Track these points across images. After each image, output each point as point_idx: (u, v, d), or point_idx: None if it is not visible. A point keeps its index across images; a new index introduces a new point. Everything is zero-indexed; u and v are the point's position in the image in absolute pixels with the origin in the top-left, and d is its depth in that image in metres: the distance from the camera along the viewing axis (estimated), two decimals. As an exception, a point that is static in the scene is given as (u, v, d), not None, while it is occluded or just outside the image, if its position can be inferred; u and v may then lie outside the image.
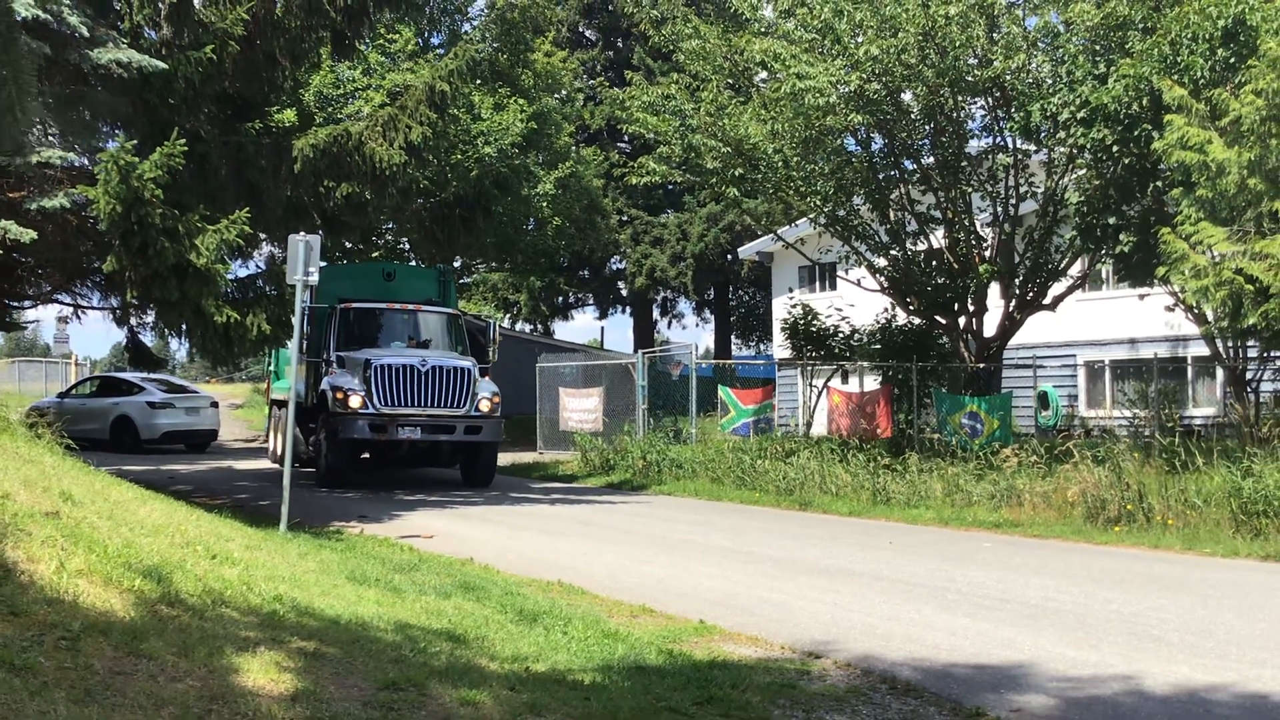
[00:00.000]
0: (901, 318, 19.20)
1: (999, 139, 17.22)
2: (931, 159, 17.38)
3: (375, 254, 26.08)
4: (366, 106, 21.81)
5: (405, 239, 26.86)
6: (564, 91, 30.50)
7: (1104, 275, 21.21)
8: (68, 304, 15.32)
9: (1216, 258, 12.23)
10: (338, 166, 13.76)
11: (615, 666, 5.98)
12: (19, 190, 11.53)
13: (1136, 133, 13.40)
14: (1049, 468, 13.59)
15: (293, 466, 11.65)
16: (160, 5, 12.21)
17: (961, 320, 18.02)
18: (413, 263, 26.00)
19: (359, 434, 16.21)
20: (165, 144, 10.97)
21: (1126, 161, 14.30)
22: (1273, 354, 15.37)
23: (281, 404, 18.30)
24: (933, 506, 13.82)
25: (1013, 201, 17.32)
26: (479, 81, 22.69)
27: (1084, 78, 14.00)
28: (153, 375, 24.73)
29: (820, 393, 20.16)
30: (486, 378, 17.21)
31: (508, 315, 40.26)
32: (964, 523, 12.94)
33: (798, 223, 22.83)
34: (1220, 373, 18.32)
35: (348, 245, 24.97)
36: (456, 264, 28.45)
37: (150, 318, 13.79)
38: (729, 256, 35.41)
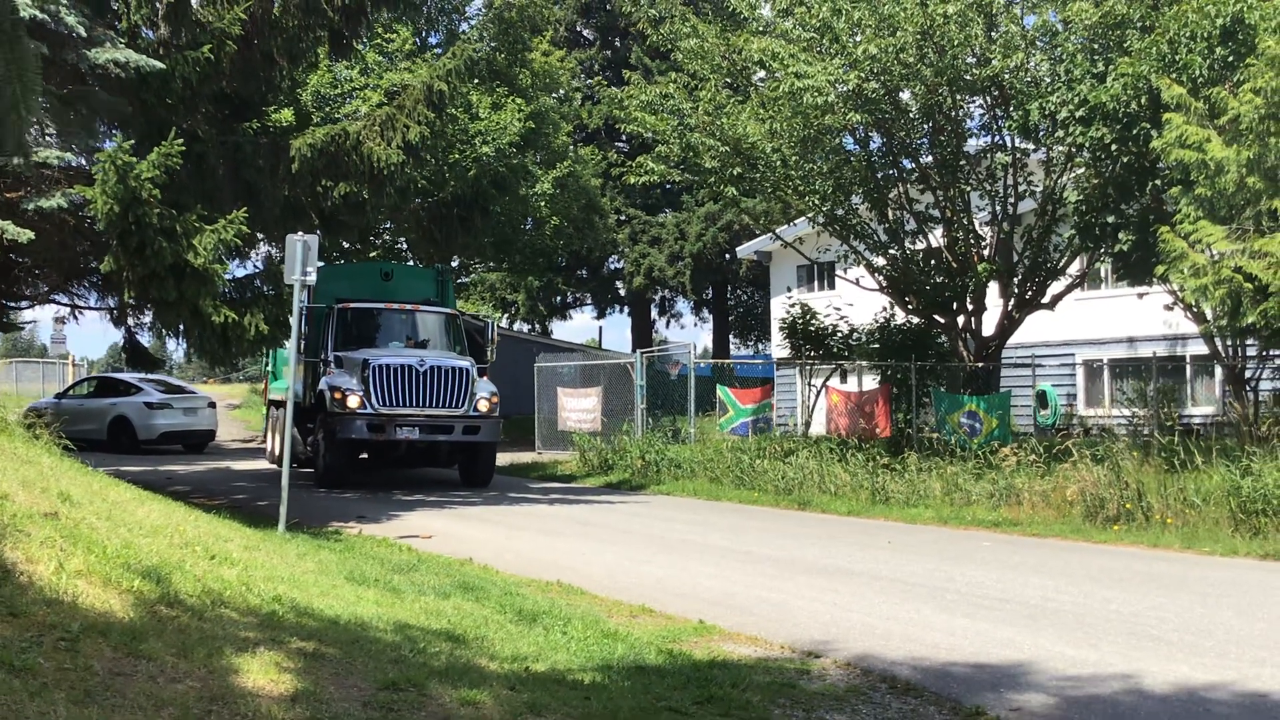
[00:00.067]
0: (900, 317, 19.20)
1: (997, 138, 17.22)
2: (930, 158, 17.38)
3: (373, 254, 26.07)
4: (364, 106, 21.81)
5: (403, 239, 26.85)
6: (562, 91, 30.48)
7: (1103, 274, 21.22)
8: (65, 304, 15.30)
9: (1215, 256, 12.23)
10: (335, 166, 13.75)
11: (615, 666, 5.97)
12: (16, 190, 11.52)
13: (1135, 131, 13.39)
14: (1048, 467, 13.58)
15: (291, 467, 11.64)
16: (158, 5, 12.19)
17: (960, 319, 18.02)
18: (410, 262, 25.99)
19: (357, 434, 16.20)
20: (163, 144, 10.96)
21: (1125, 160, 14.30)
22: (1272, 352, 15.37)
23: (279, 404, 18.28)
24: (931, 506, 13.82)
25: (1011, 200, 17.32)
26: (477, 81, 22.68)
27: (1082, 76, 14.00)
28: (150, 376, 24.70)
29: (819, 392, 20.15)
30: (485, 378, 17.20)
31: (506, 315, 40.27)
32: (963, 522, 12.94)
33: (796, 222, 22.82)
34: (1219, 371, 18.32)
35: (345, 245, 24.98)
36: (454, 264, 28.43)
37: (148, 318, 13.76)
38: (727, 256, 35.41)
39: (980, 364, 17.98)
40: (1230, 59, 12.53)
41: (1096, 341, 22.40)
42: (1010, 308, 17.89)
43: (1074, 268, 17.97)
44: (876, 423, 17.74)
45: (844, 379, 21.14)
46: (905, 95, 16.55)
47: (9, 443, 8.67)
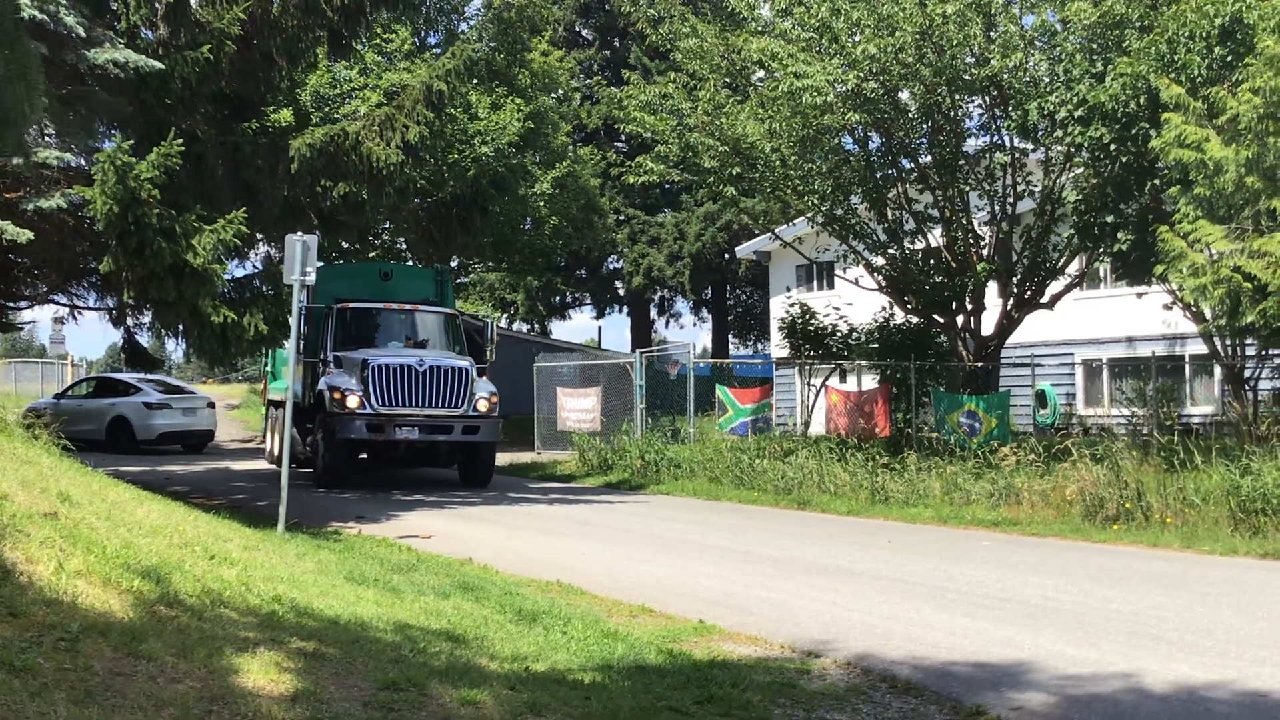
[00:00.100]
0: (899, 316, 19.20)
1: (996, 138, 17.23)
2: (929, 158, 17.39)
3: (372, 254, 26.06)
4: (363, 106, 21.78)
5: (402, 239, 26.84)
6: (561, 91, 30.48)
7: (1102, 274, 21.22)
8: (64, 305, 15.28)
9: (1214, 256, 12.24)
10: (334, 166, 13.75)
11: (615, 666, 5.97)
12: (16, 191, 11.51)
13: (1134, 131, 13.40)
14: (1047, 466, 13.58)
15: (290, 467, 11.63)
16: (157, 5, 12.18)
17: (959, 319, 18.03)
18: (410, 262, 25.98)
19: (356, 434, 16.19)
20: (162, 144, 10.95)
21: (1124, 160, 14.31)
22: (1270, 352, 15.39)
23: (278, 404, 18.27)
24: (931, 505, 13.81)
25: (1010, 200, 17.33)
26: (476, 81, 22.65)
27: (1081, 76, 14.00)
28: (149, 376, 24.70)
29: (818, 392, 20.15)
30: (484, 377, 17.19)
31: (505, 315, 40.25)
32: (962, 521, 12.94)
33: (795, 222, 22.83)
34: (1218, 371, 18.34)
35: (344, 245, 24.96)
36: (454, 264, 28.43)
37: (147, 318, 13.75)
38: (726, 256, 35.41)
39: (979, 364, 17.99)
40: (1229, 58, 12.54)
41: (1095, 341, 22.41)
42: (1009, 307, 17.90)
43: (1073, 267, 17.98)
44: (876, 422, 17.74)
45: (843, 379, 21.14)
46: (904, 95, 16.56)
47: (8, 443, 8.67)
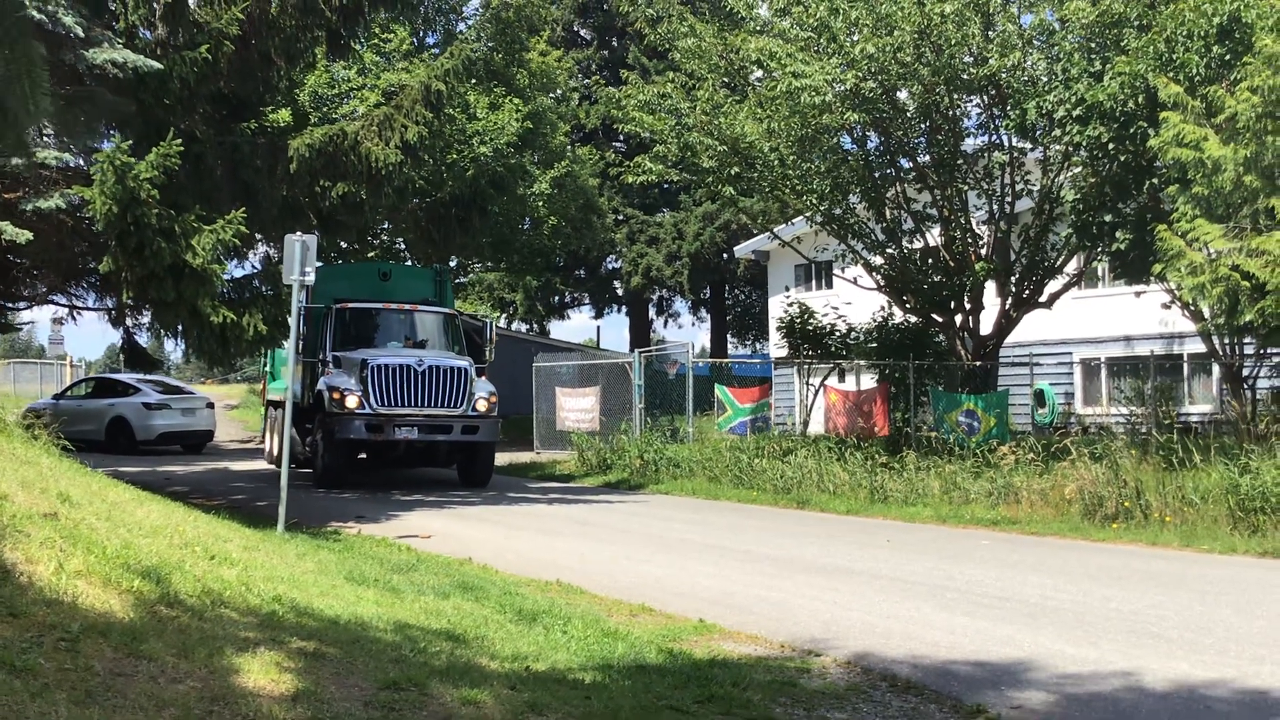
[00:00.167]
0: (898, 316, 19.21)
1: (995, 137, 17.23)
2: (927, 157, 17.39)
3: (371, 254, 26.05)
4: (362, 106, 21.79)
5: (401, 239, 26.84)
6: (559, 91, 30.47)
7: (1100, 273, 21.22)
8: (63, 305, 15.27)
9: (1213, 254, 12.25)
10: (333, 166, 13.74)
11: (615, 665, 5.97)
12: (15, 191, 11.50)
13: (1132, 130, 13.41)
14: (1046, 465, 13.60)
15: (290, 467, 11.63)
16: (155, 5, 12.18)
17: (958, 318, 18.04)
18: (409, 262, 25.97)
19: (356, 434, 16.20)
20: (161, 144, 10.95)
21: (1122, 159, 14.31)
22: (1269, 350, 15.39)
23: (278, 405, 18.28)
24: (930, 504, 13.82)
25: (1009, 199, 17.33)
26: (474, 81, 22.66)
27: (1079, 75, 14.01)
28: (148, 376, 24.71)
29: (817, 391, 20.16)
30: (483, 377, 17.20)
31: (504, 315, 40.25)
32: (962, 520, 12.95)
33: (794, 221, 22.82)
34: (1216, 370, 18.34)
35: (343, 245, 24.95)
36: (452, 264, 28.42)
37: (146, 318, 13.75)
38: (725, 255, 35.41)
39: (978, 363, 17.99)
40: (1227, 57, 12.54)
41: (1094, 340, 22.42)
42: (1008, 307, 17.91)
43: (1071, 267, 17.98)
44: (875, 422, 17.75)
45: (842, 378, 21.15)
46: (902, 94, 16.56)
47: (8, 443, 8.67)
